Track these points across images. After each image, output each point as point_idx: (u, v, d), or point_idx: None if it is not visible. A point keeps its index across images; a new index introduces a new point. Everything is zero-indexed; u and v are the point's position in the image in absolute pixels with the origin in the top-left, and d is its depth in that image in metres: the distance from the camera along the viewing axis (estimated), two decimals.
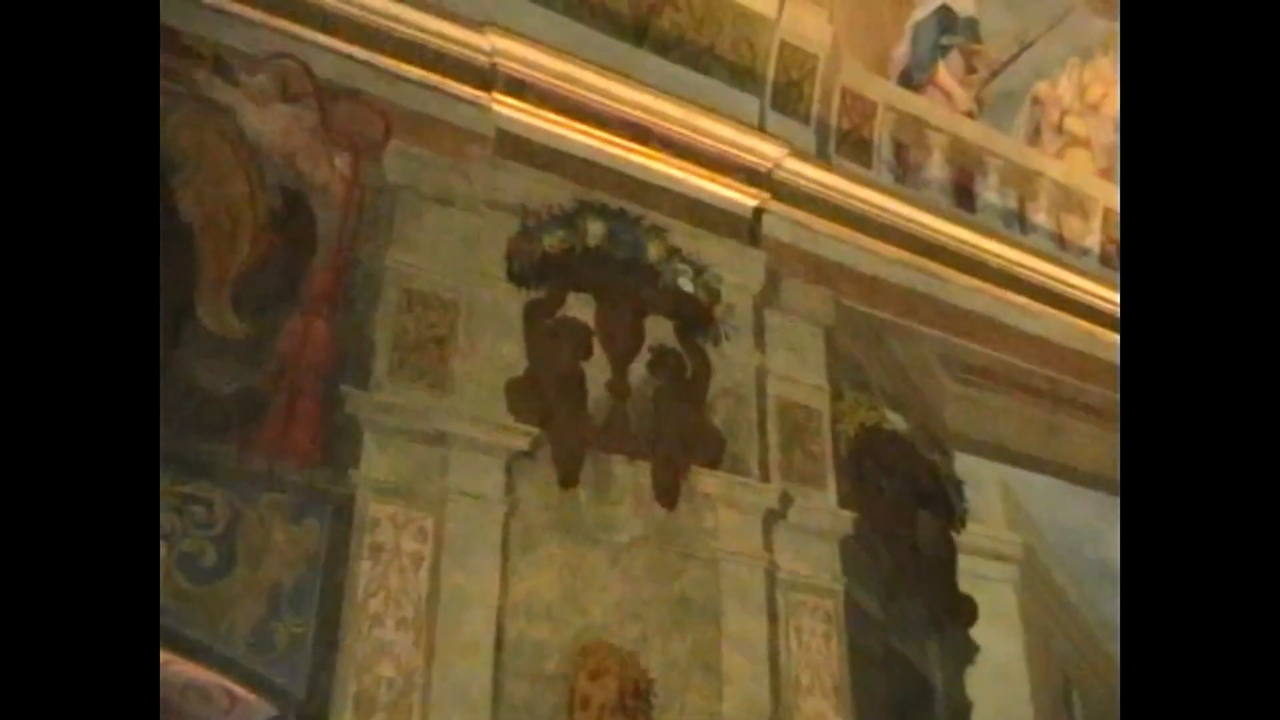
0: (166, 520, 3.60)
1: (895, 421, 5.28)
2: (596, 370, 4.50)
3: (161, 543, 3.58)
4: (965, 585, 5.21)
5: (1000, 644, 5.18)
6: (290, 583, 3.73)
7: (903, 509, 5.10)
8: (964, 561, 5.27)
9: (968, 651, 5.06)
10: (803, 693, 4.39)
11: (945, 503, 5.29)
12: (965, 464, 5.46)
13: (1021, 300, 5.89)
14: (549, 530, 4.16)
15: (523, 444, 4.19)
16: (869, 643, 4.68)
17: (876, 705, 4.58)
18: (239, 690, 3.64)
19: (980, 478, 5.50)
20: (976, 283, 5.82)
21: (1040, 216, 6.22)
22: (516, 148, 4.73)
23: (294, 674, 3.62)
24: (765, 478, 4.70)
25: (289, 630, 3.66)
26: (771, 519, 4.62)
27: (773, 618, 4.45)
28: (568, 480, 4.25)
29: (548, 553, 4.12)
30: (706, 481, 4.52)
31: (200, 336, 3.90)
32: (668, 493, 4.44)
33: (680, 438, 4.55)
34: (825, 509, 4.79)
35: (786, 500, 4.68)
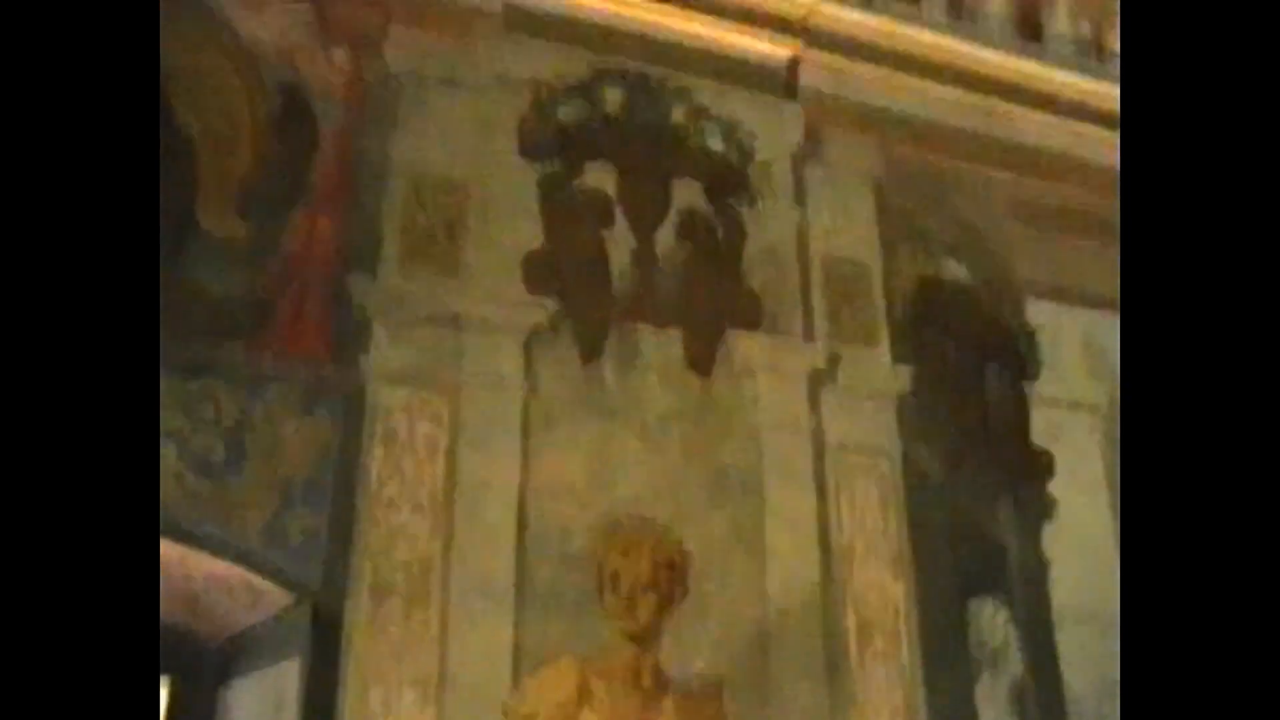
0: (174, 419, 3.59)
1: (957, 273, 4.93)
2: (619, 240, 4.28)
3: (170, 441, 3.57)
4: (1042, 440, 4.87)
5: (1081, 500, 4.83)
6: (302, 475, 3.66)
7: (967, 364, 4.78)
8: (1040, 415, 4.92)
9: (1044, 509, 4.74)
10: (856, 563, 4.18)
11: (1015, 355, 4.93)
12: (1039, 312, 5.07)
13: (1099, 133, 5.41)
14: (572, 409, 3.99)
15: (541, 319, 4.02)
16: (931, 507, 4.41)
17: (941, 573, 4.33)
18: (257, 581, 3.62)
19: (1056, 326, 5.10)
20: (1048, 118, 5.37)
21: (1118, 44, 5.69)
22: (526, 21, 4.46)
23: (309, 565, 3.58)
24: (810, 339, 4.44)
25: (303, 522, 3.61)
26: (818, 382, 4.37)
27: (821, 487, 4.22)
28: (590, 355, 4.07)
29: (571, 432, 3.96)
30: (744, 346, 4.28)
31: (205, 243, 3.85)
32: (701, 361, 4.22)
33: (713, 303, 4.31)
34: (878, 367, 4.50)
35: (834, 361, 4.41)
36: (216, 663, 4.17)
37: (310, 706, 3.46)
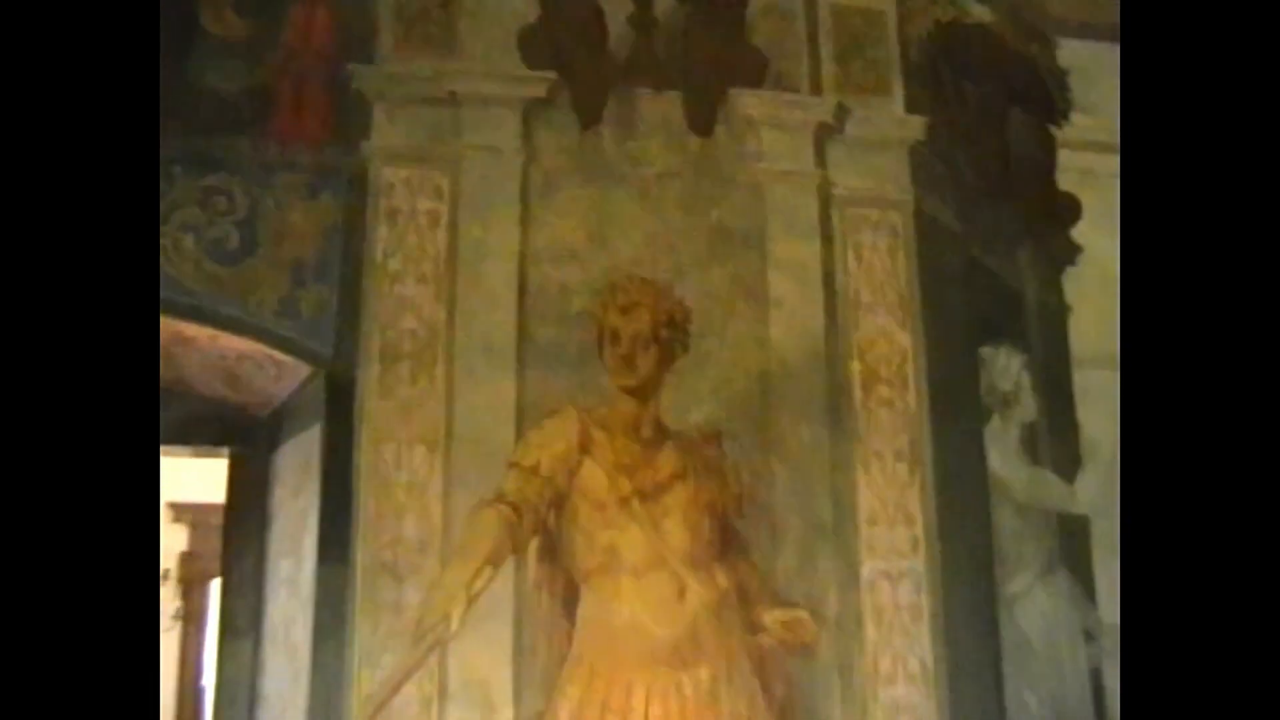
0: (191, 213, 3.81)
1: (980, 14, 4.75)
2: (616, 5, 4.23)
3: (188, 232, 3.80)
4: (1069, 184, 4.78)
5: (1108, 244, 4.73)
6: (312, 255, 3.86)
7: (989, 109, 4.67)
8: (1068, 158, 4.81)
9: (1067, 254, 4.69)
10: (863, 310, 4.22)
11: (1043, 97, 4.79)
12: (1071, 52, 4.90)
13: None
14: (571, 174, 4.06)
15: (539, 91, 4.05)
16: (944, 256, 4.39)
17: (953, 320, 4.35)
18: (277, 355, 3.85)
19: (1090, 65, 4.92)
20: None
21: None
22: None
23: (322, 337, 3.82)
24: (817, 92, 4.37)
25: (314, 298, 3.83)
26: (824, 134, 4.32)
27: (827, 238, 4.24)
28: (589, 121, 4.09)
29: (570, 196, 4.04)
30: (747, 103, 4.24)
31: (208, 43, 4.00)
32: (702, 120, 4.20)
33: (714, 63, 4.25)
34: (890, 118, 4.42)
35: (843, 112, 4.34)
36: (267, 433, 4.47)
37: (331, 465, 3.74)
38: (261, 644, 4.25)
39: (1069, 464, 4.41)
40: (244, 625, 4.39)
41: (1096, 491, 4.39)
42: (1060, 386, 4.50)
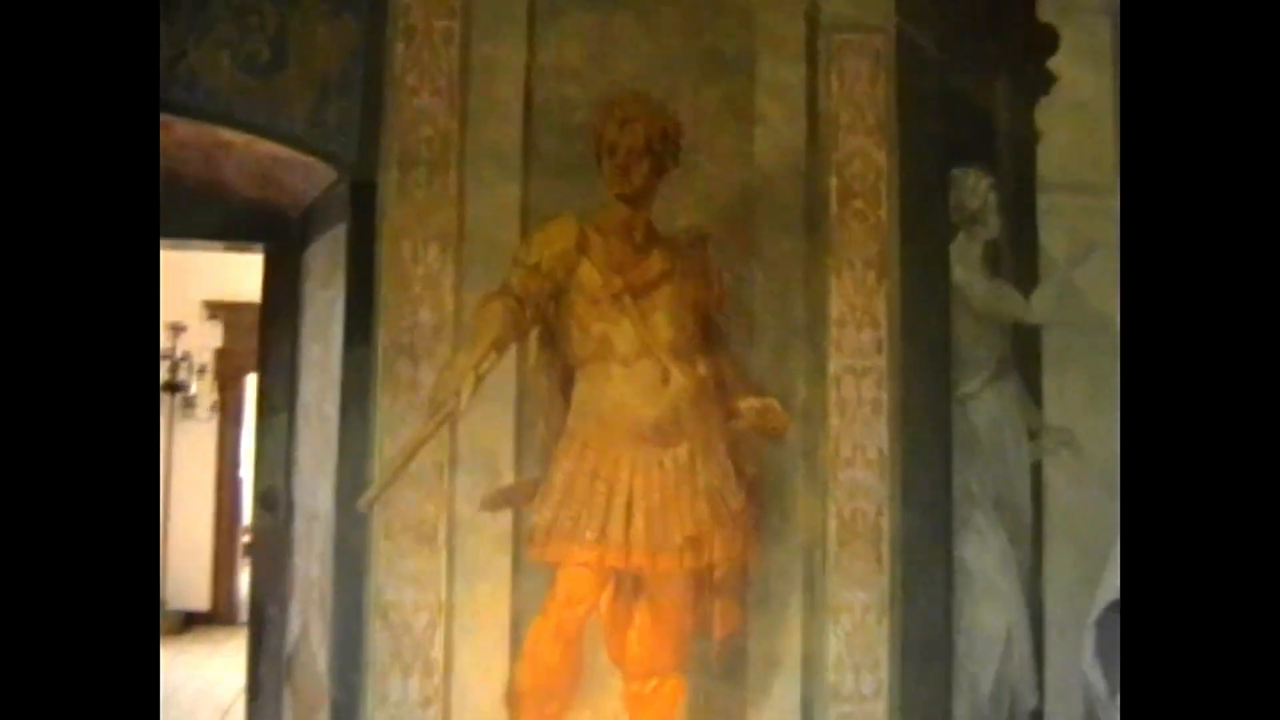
0: (226, 29, 4.12)
1: None
2: None
3: (224, 48, 4.12)
4: (1051, 15, 4.97)
5: (1083, 77, 4.93)
6: (336, 71, 4.18)
7: None
8: None
9: (1042, 84, 4.91)
10: (842, 131, 4.51)
11: None
12: None
13: None
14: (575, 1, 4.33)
15: None
16: (922, 82, 4.62)
17: (927, 142, 4.59)
18: (307, 160, 4.21)
19: None
20: None
21: None
22: None
23: (347, 144, 4.17)
24: None
25: (339, 109, 4.16)
26: None
27: (812, 62, 4.49)
28: None
29: (574, 20, 4.31)
30: None
31: None
32: None
33: None
34: None
35: None
36: (299, 231, 4.84)
37: (355, 260, 4.14)
38: (295, 419, 4.71)
39: (1027, 279, 4.75)
40: (280, 404, 4.85)
41: (1050, 305, 4.72)
42: (1025, 207, 4.77)
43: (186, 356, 11.09)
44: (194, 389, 11.10)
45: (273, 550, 4.78)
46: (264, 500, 4.90)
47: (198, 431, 10.61)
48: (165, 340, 11.05)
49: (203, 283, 9.74)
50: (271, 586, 4.75)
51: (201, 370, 10.78)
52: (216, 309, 10.44)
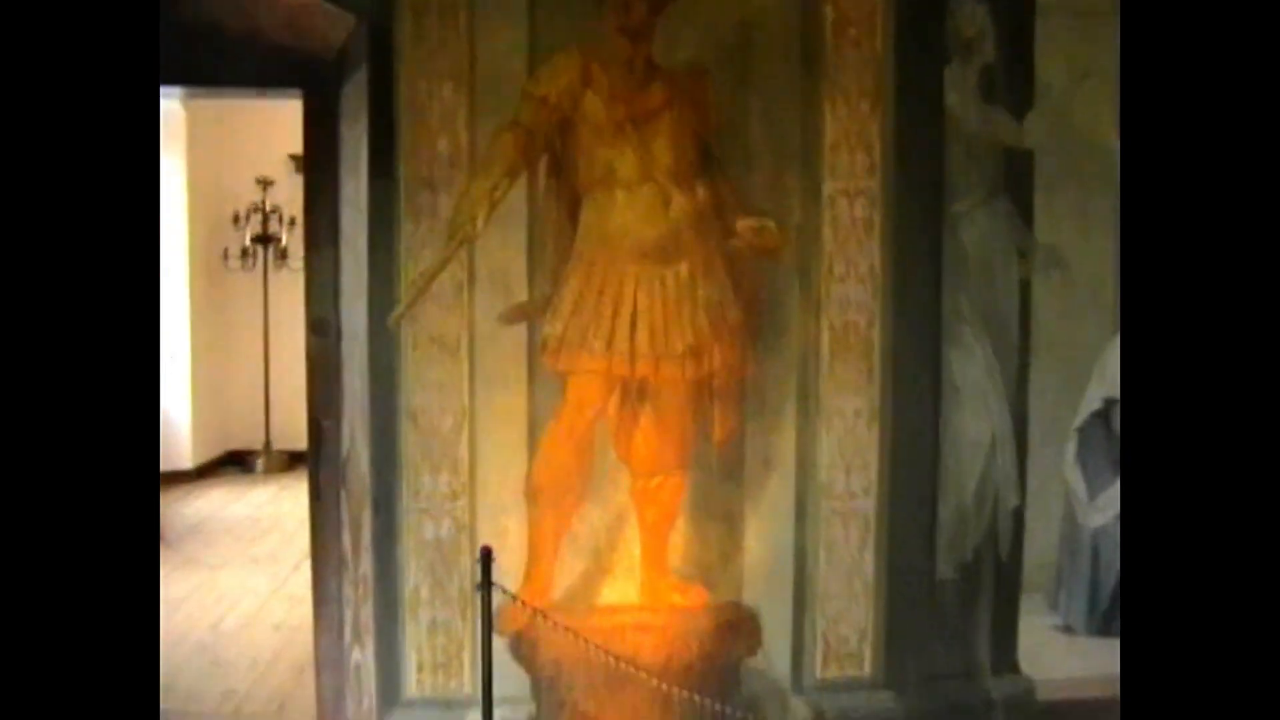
0: None
1: None
2: None
3: None
4: None
5: None
6: None
7: None
8: None
9: None
10: None
11: None
12: None
13: None
14: None
15: None
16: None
17: None
18: (329, 9, 4.44)
19: None
20: None
21: None
22: None
23: None
24: None
25: None
26: None
27: None
28: None
29: None
30: None
31: None
32: None
33: None
34: None
35: None
36: (333, 75, 5.10)
37: (376, 99, 4.40)
38: (339, 252, 5.05)
39: (1021, 104, 4.87)
40: (325, 239, 5.17)
41: (1043, 129, 4.87)
42: (1021, 33, 4.86)
43: (276, 209, 11.53)
44: (285, 240, 11.56)
45: (324, 371, 5.16)
46: (315, 327, 5.27)
47: (292, 280, 10.94)
48: (256, 194, 11.48)
49: (287, 137, 10.05)
50: (325, 403, 5.15)
51: (292, 222, 11.14)
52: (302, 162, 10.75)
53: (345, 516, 4.84)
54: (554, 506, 4.35)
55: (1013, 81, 4.87)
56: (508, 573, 4.20)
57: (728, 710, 4.17)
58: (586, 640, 4.06)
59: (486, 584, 3.88)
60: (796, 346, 4.55)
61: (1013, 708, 4.91)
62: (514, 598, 4.14)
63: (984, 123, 4.80)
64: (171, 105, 9.93)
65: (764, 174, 4.51)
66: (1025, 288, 4.87)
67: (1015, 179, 4.85)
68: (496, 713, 4.14)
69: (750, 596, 4.58)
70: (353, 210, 4.74)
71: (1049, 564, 5.22)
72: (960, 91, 4.79)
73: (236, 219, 11.51)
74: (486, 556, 3.88)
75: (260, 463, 11.53)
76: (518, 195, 4.25)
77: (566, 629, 4.09)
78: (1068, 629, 5.26)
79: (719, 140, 4.37)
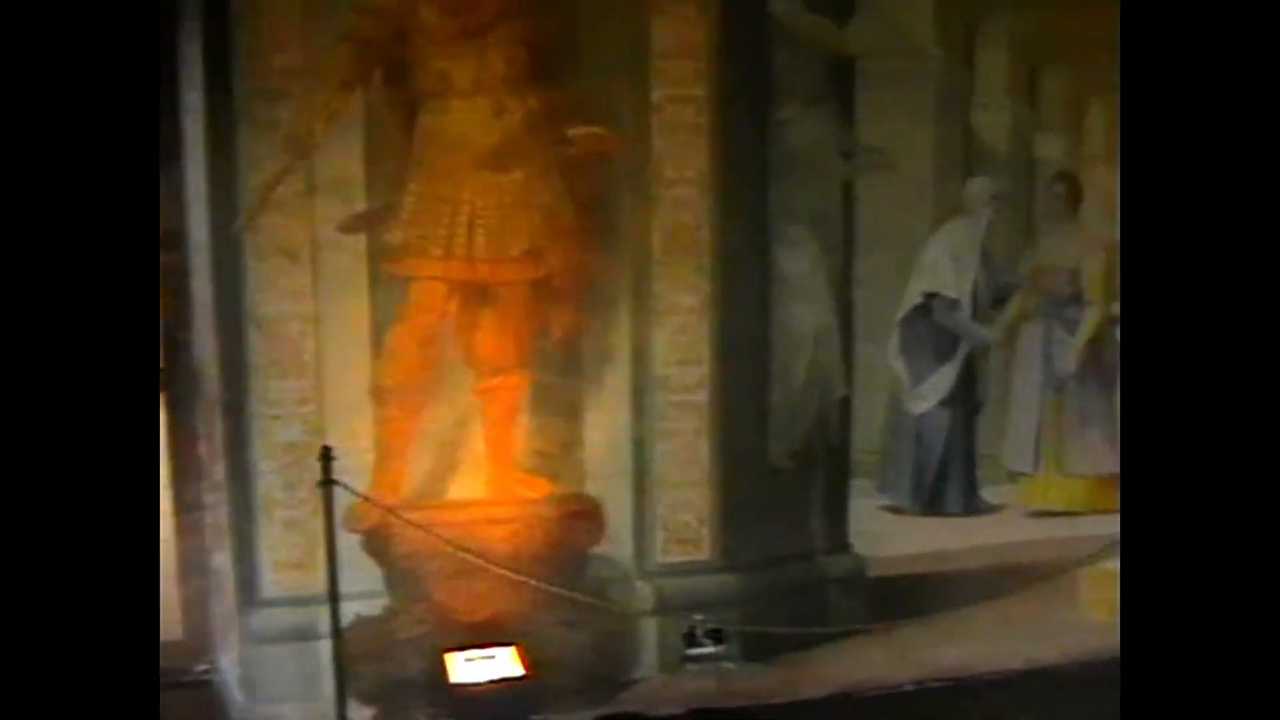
0: None
1: None
2: None
3: None
4: None
5: None
6: None
7: None
8: None
9: None
10: None
11: None
12: None
13: None
14: None
15: None
16: None
17: None
18: None
19: None
20: None
21: None
22: None
23: None
24: None
25: None
26: None
27: None
28: None
29: None
30: None
31: None
32: None
33: None
34: None
35: None
36: None
37: (212, 11, 4.77)
38: (183, 162, 5.38)
39: (843, 10, 5.46)
40: (168, 152, 5.50)
41: (866, 35, 5.48)
42: None
43: None
44: None
45: (175, 283, 5.55)
46: (166, 240, 5.65)
47: None
48: None
49: None
50: (176, 312, 5.51)
51: None
52: None
53: (200, 424, 5.29)
54: (401, 406, 4.85)
55: None
56: (359, 472, 4.72)
57: (575, 596, 4.79)
58: (434, 535, 4.61)
59: (328, 482, 4.39)
60: (630, 247, 5.11)
61: (846, 584, 5.65)
62: (360, 496, 4.65)
63: (808, 29, 5.38)
64: None
65: (595, 82, 5.01)
66: (850, 187, 5.50)
67: (839, 83, 5.46)
68: (353, 606, 4.70)
69: (593, 487, 5.17)
70: (195, 121, 5.11)
71: (876, 449, 5.94)
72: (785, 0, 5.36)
73: None
74: (326, 455, 4.38)
75: None
76: (355, 105, 4.69)
77: (415, 525, 4.64)
78: (895, 509, 6.00)
79: (551, 50, 4.87)
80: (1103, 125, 6.13)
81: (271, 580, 5.01)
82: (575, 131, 4.81)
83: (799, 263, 5.39)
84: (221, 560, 5.21)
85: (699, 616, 5.18)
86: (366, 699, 4.76)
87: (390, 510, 4.68)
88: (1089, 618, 5.93)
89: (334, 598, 4.48)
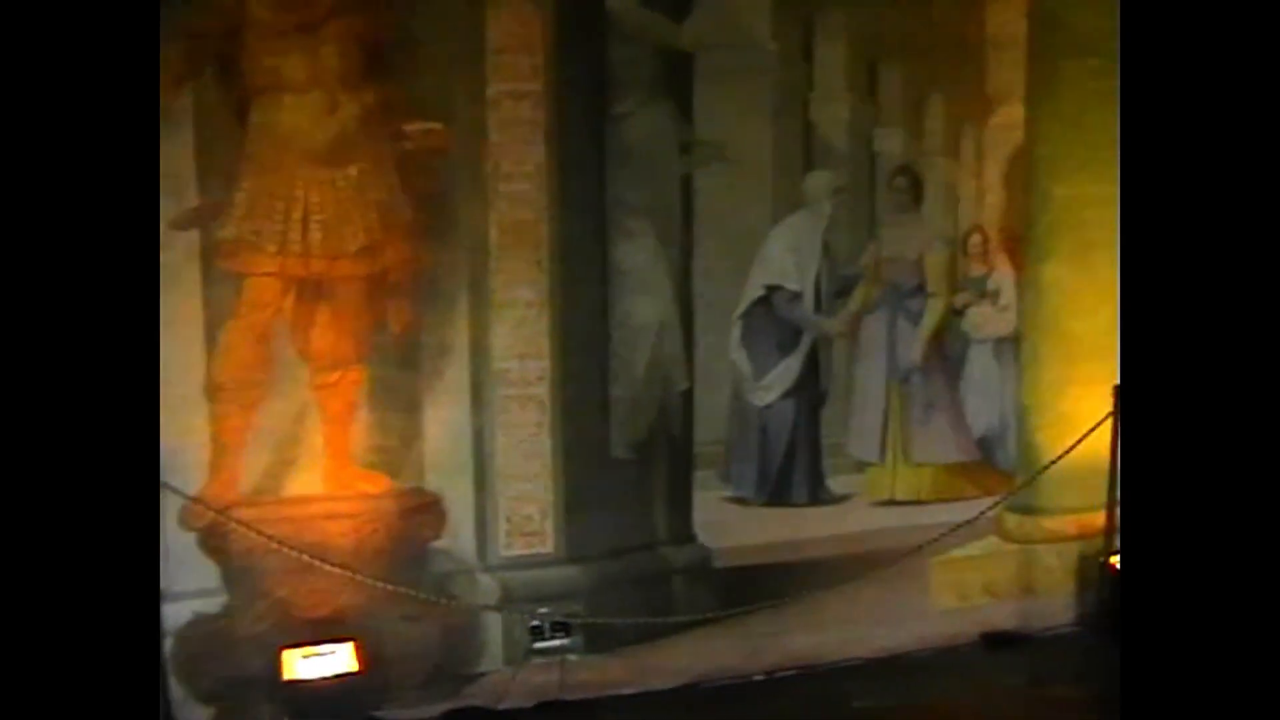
0: None
1: None
2: None
3: None
4: None
5: None
6: None
7: None
8: None
9: None
10: None
11: None
12: None
13: None
14: None
15: None
16: None
17: None
18: None
19: None
20: None
21: None
22: None
23: None
24: None
25: None
26: None
27: None
28: None
29: None
30: None
31: None
32: None
33: None
34: None
35: None
36: None
37: None
38: None
39: (680, 7, 5.74)
40: None
41: (703, 30, 5.75)
42: None
43: None
44: None
45: None
46: None
47: None
48: None
49: None
50: None
51: None
52: None
53: None
54: (237, 403, 5.02)
55: None
56: (197, 469, 4.89)
57: (416, 592, 5.01)
58: (264, 535, 4.81)
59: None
60: (468, 241, 5.33)
61: (691, 575, 5.94)
62: (187, 498, 4.81)
63: (644, 25, 5.66)
64: None
65: (431, 77, 5.22)
66: (689, 181, 5.79)
67: (677, 78, 5.75)
68: (190, 605, 4.87)
69: (433, 481, 5.39)
70: None
71: (719, 441, 6.21)
72: None
73: None
74: None
75: None
76: (184, 102, 4.84)
77: (243, 525, 4.82)
78: (741, 500, 6.28)
79: (386, 45, 5.08)
80: (941, 120, 6.46)
81: None
82: (411, 127, 5.04)
83: (639, 256, 5.66)
84: None
85: (544, 609, 5.44)
86: (205, 698, 4.94)
87: (219, 512, 4.85)
88: (938, 604, 6.32)
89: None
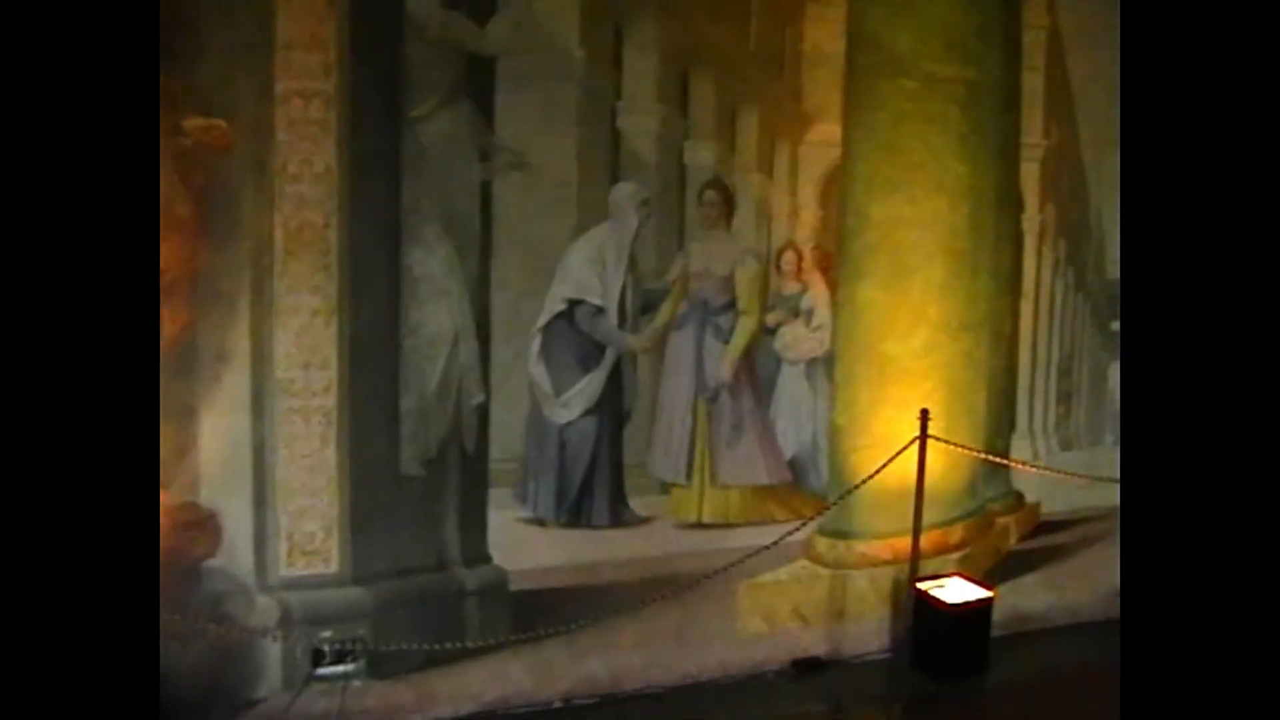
0: None
1: None
2: None
3: None
4: None
5: None
6: None
7: None
8: None
9: None
10: None
11: None
12: None
13: None
14: None
15: None
16: None
17: None
18: None
19: None
20: None
21: None
22: None
23: None
24: None
25: None
26: None
27: None
28: None
29: None
30: None
31: None
32: None
33: None
34: None
35: None
36: None
37: None
38: None
39: (483, 9, 6.00)
40: None
41: (506, 34, 6.01)
42: None
43: None
44: None
45: None
46: None
47: None
48: None
49: None
50: None
51: None
52: None
53: None
54: None
55: None
56: None
57: (185, 619, 5.09)
58: None
59: None
60: (251, 243, 5.48)
61: (485, 597, 6.14)
62: None
63: (445, 27, 5.90)
64: None
65: (215, 70, 5.37)
66: (487, 188, 6.04)
67: (478, 82, 5.99)
68: None
69: (208, 495, 5.50)
70: None
71: (516, 458, 6.44)
72: None
73: None
74: None
75: None
76: None
77: None
78: (538, 521, 6.50)
79: (167, 34, 5.20)
80: (755, 135, 6.80)
81: None
82: (191, 123, 5.17)
83: (433, 264, 5.88)
84: None
85: (326, 632, 5.57)
86: None
87: None
88: (746, 629, 6.61)
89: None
